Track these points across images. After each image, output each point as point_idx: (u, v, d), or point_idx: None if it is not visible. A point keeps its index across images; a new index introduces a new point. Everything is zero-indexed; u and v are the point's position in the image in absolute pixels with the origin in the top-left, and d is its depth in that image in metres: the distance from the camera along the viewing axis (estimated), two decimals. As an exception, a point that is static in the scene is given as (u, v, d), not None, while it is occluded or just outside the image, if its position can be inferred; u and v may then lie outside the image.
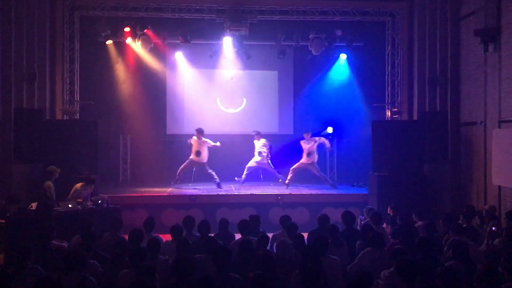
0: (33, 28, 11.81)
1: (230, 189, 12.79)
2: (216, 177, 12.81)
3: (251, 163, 13.45)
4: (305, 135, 13.16)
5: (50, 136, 11.31)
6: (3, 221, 8.27)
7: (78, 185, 9.70)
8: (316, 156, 13.11)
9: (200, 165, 13.04)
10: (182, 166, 13.03)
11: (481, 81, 10.52)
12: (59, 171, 9.95)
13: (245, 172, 13.42)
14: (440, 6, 12.03)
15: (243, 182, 13.34)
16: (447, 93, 11.90)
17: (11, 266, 5.47)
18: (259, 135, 13.52)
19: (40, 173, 10.76)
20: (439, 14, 12.06)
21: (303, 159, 13.11)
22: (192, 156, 12.96)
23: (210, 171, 12.84)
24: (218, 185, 12.76)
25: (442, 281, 4.74)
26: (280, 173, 13.59)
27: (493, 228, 7.56)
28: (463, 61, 11.56)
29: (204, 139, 12.91)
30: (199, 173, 14.45)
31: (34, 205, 8.52)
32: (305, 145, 13.08)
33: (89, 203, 9.32)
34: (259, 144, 13.42)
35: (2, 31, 10.87)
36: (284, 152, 14.36)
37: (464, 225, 7.65)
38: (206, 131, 14.02)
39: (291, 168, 13.17)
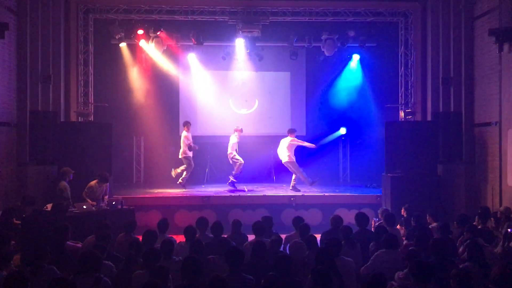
0: (48, 31, 11.94)
1: (243, 190, 12.81)
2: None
3: None
4: (290, 134, 12.65)
5: (65, 138, 11.42)
6: (19, 222, 8.36)
7: (93, 182, 9.80)
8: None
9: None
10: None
11: (496, 81, 10.41)
12: (73, 172, 10.06)
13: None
14: (454, 6, 11.92)
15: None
16: (461, 93, 11.78)
17: (27, 267, 5.53)
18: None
19: (55, 174, 10.91)
20: (453, 13, 11.94)
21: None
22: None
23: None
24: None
25: (457, 283, 4.70)
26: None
27: (509, 229, 7.47)
28: (477, 61, 11.44)
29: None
30: (211, 174, 14.54)
31: (49, 206, 8.60)
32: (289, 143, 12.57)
33: (103, 204, 9.40)
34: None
35: (17, 34, 11.00)
36: (297, 153, 14.30)
37: (479, 227, 7.59)
38: (219, 132, 14.11)
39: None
